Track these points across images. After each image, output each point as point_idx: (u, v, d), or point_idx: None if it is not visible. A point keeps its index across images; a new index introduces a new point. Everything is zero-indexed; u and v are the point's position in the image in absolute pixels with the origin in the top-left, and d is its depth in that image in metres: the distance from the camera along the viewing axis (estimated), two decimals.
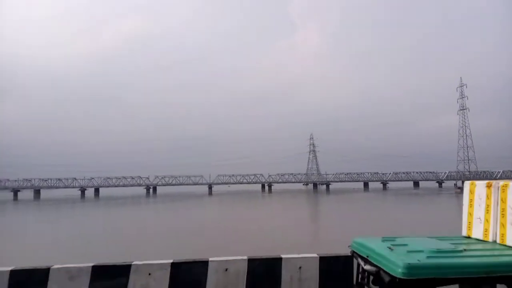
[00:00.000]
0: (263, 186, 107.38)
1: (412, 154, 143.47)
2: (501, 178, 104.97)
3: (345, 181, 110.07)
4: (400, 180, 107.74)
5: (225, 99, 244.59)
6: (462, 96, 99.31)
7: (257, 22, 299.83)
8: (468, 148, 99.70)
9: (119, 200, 70.83)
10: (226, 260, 5.46)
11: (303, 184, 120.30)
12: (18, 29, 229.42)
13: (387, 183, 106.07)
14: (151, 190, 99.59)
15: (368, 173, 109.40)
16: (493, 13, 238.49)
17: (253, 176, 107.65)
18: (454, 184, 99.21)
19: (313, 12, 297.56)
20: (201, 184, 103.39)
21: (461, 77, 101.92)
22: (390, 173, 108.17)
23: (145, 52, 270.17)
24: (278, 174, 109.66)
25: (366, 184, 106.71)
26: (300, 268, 5.38)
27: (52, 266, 4.89)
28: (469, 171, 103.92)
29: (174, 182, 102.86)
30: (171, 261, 5.32)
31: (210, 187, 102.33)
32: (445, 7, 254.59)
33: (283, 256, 5.63)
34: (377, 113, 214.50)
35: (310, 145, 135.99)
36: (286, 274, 5.30)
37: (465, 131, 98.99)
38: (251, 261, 5.44)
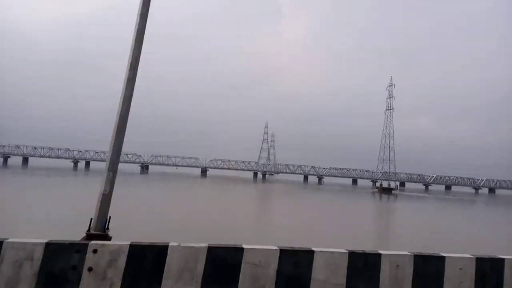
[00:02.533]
0: (255, 174, 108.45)
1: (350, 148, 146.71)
2: (433, 182, 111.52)
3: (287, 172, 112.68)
4: (336, 176, 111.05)
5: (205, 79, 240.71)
6: (390, 95, 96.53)
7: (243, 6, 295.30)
8: (390, 148, 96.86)
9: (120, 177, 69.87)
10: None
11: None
12: None
13: (323, 177, 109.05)
14: (144, 168, 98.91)
15: (307, 166, 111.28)
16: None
17: (247, 163, 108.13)
18: (373, 183, 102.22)
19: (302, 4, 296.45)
20: (194, 166, 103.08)
21: (391, 77, 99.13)
22: (326, 168, 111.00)
23: (126, 22, 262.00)
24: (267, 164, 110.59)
25: (305, 177, 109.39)
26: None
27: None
28: (394, 173, 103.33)
29: (168, 162, 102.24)
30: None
31: (204, 171, 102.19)
32: None
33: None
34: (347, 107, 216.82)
35: (264, 133, 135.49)
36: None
37: (389, 131, 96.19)
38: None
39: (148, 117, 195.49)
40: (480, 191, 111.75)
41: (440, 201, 66.95)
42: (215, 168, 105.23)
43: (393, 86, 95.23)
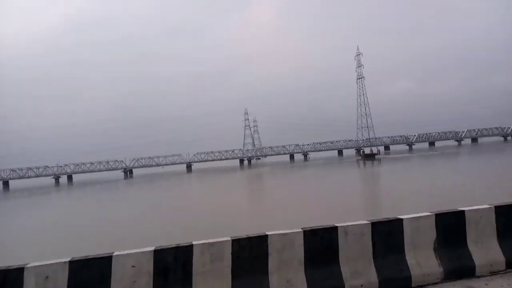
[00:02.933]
0: (241, 161, 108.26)
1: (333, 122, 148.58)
2: (416, 141, 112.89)
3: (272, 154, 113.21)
4: (321, 150, 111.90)
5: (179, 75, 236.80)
6: (359, 64, 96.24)
7: None
8: (367, 115, 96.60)
9: (96, 185, 68.94)
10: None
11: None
12: None
13: (308, 154, 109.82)
14: (128, 172, 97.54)
15: (291, 145, 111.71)
16: None
17: (231, 152, 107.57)
18: (355, 151, 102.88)
19: None
20: (179, 163, 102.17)
21: (357, 46, 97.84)
22: (310, 144, 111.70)
23: (94, 26, 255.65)
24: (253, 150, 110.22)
25: (291, 156, 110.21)
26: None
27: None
28: (377, 138, 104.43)
29: (152, 163, 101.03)
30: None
31: (189, 166, 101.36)
32: None
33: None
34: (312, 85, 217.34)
35: (245, 120, 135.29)
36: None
37: (364, 99, 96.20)
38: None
39: (126, 120, 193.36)
40: (462, 142, 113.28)
41: (421, 158, 67.75)
42: (200, 161, 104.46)
43: (361, 54, 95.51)
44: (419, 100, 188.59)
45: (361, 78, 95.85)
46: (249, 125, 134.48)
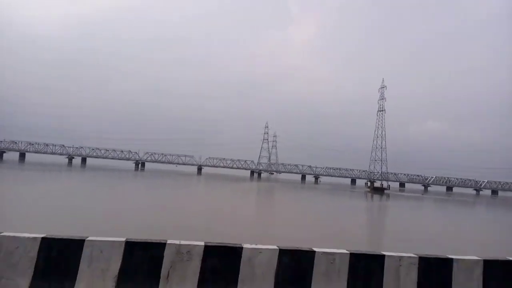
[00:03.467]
0: (252, 173, 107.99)
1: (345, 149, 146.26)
2: (434, 183, 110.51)
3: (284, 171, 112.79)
4: (332, 176, 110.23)
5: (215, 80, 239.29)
6: (382, 97, 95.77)
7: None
8: (382, 149, 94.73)
9: (108, 172, 70.25)
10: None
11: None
12: None
13: (319, 177, 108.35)
14: (139, 165, 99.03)
15: (304, 165, 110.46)
16: None
17: (243, 162, 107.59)
18: (365, 183, 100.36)
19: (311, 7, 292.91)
20: (190, 164, 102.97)
21: (383, 78, 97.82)
22: (323, 168, 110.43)
23: (131, 23, 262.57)
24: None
25: (303, 177, 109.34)
26: None
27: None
28: (393, 173, 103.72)
29: (163, 159, 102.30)
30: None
31: (199, 168, 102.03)
32: None
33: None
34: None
35: (264, 133, 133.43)
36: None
37: (381, 132, 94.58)
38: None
39: (153, 115, 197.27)
40: (481, 192, 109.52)
41: (430, 200, 65.72)
42: (211, 166, 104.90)
43: (385, 88, 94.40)
44: (447, 144, 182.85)
45: (382, 110, 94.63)
46: (267, 139, 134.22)
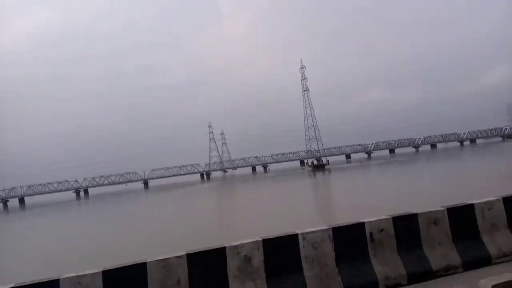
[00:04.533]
0: (202, 176, 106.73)
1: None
2: (375, 149, 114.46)
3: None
4: (279, 162, 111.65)
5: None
6: (303, 77, 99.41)
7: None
8: (314, 127, 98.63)
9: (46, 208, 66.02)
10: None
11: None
12: None
13: (267, 166, 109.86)
14: (81, 193, 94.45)
15: (251, 157, 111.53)
16: None
17: (190, 167, 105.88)
18: (306, 162, 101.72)
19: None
20: (135, 180, 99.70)
21: (301, 59, 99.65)
22: (269, 156, 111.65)
23: (59, 44, 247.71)
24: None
25: (253, 168, 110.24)
26: None
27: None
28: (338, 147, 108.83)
29: (106, 182, 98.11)
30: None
31: (145, 183, 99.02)
32: None
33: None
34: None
35: (209, 133, 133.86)
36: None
37: (311, 111, 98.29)
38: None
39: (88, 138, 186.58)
40: (420, 148, 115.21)
41: (371, 166, 68.65)
42: (158, 178, 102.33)
43: (304, 67, 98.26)
44: (389, 109, 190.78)
45: (306, 90, 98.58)
46: (213, 138, 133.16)
